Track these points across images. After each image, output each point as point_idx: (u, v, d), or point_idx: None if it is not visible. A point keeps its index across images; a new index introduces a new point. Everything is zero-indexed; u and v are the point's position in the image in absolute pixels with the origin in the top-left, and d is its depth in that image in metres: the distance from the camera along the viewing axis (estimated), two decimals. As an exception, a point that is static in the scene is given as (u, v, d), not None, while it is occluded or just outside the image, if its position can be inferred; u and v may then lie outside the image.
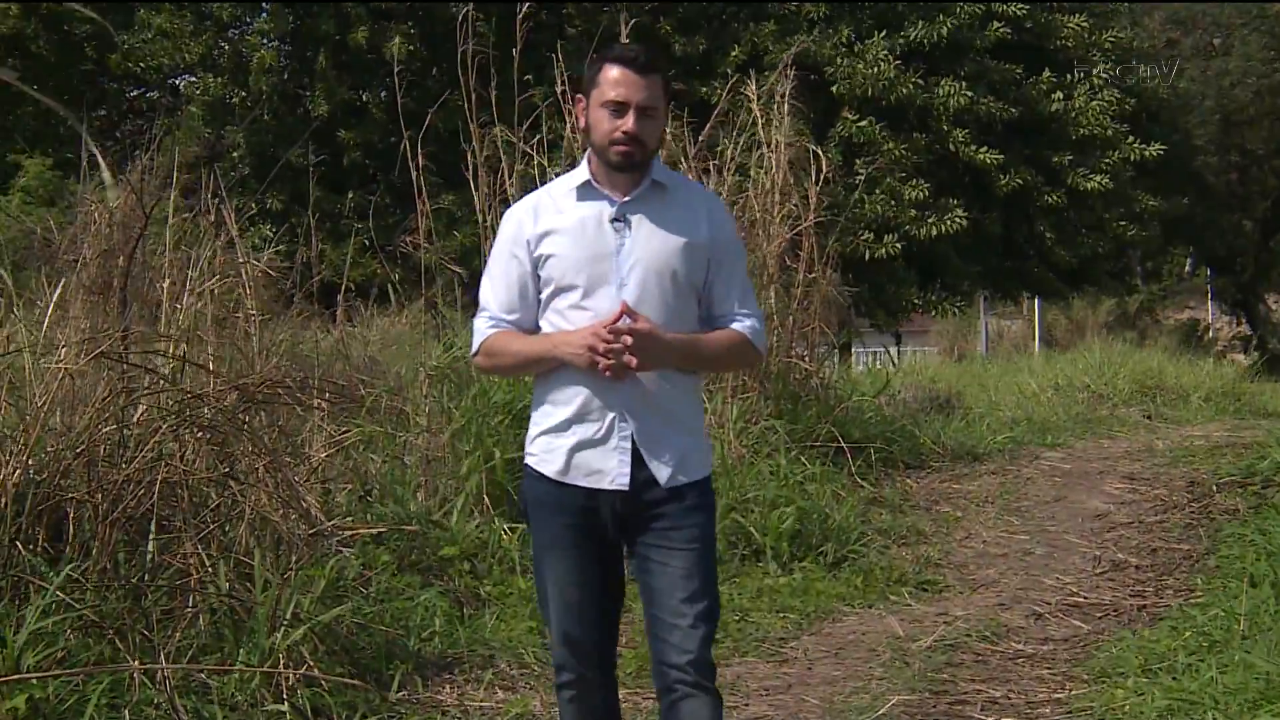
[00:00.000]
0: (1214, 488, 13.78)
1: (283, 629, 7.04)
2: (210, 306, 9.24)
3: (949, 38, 29.93)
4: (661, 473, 4.86)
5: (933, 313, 33.29)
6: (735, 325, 4.99)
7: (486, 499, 10.35)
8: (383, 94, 14.91)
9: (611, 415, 4.84)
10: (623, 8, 13.83)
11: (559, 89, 13.14)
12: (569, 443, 4.89)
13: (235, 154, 29.21)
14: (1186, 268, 52.13)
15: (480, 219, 12.56)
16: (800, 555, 10.94)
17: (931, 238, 29.43)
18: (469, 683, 7.83)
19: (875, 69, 29.36)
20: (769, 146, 14.65)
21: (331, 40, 29.11)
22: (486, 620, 8.81)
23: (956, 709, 7.62)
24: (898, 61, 29.58)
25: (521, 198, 5.24)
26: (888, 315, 31.90)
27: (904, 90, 29.50)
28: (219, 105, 29.75)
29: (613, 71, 4.77)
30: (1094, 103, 30.87)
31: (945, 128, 29.85)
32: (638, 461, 4.85)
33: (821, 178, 15.00)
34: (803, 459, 12.95)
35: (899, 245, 29.18)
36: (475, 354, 5.08)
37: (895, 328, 33.90)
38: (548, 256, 4.87)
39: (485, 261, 12.36)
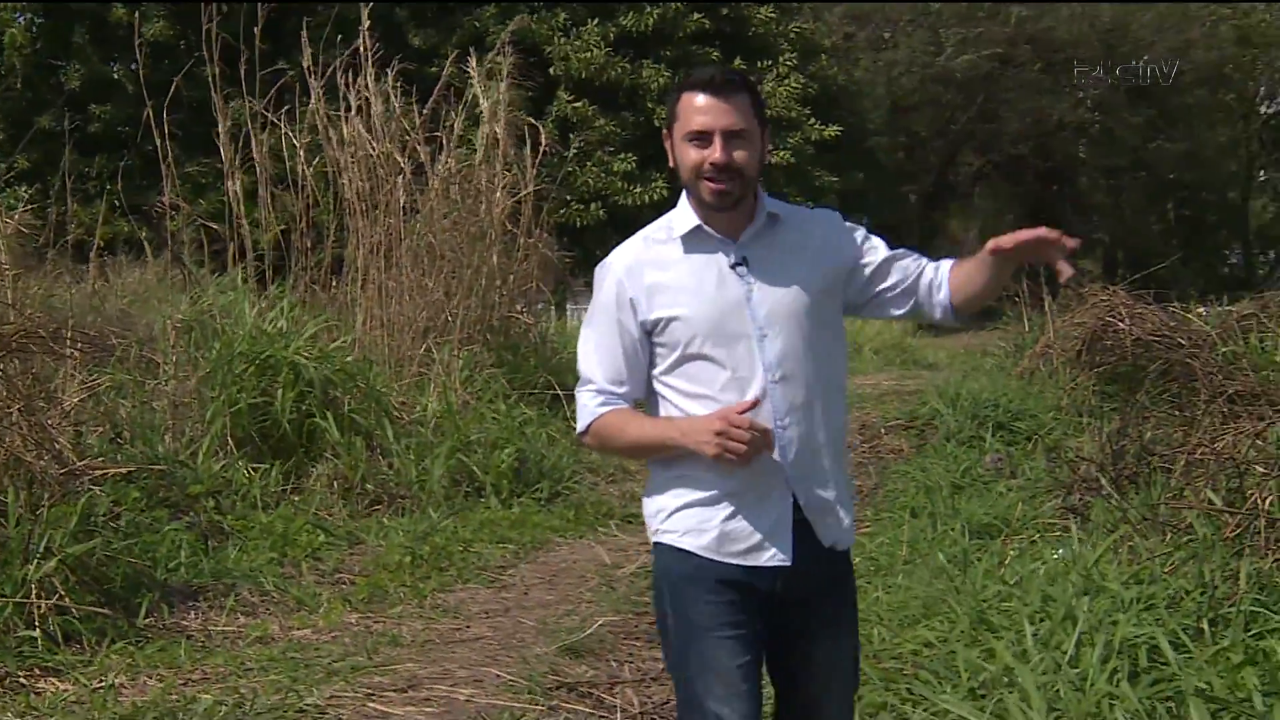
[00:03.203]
0: (882, 430, 14.13)
1: (35, 561, 6.82)
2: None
3: (654, 26, 30.23)
4: (829, 542, 3.84)
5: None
6: (935, 265, 3.97)
7: (231, 441, 10.20)
8: (133, 66, 14.48)
9: (773, 482, 3.76)
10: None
11: (304, 65, 13.11)
12: (719, 515, 3.78)
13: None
14: (861, 236, 53.46)
15: (226, 182, 12.47)
16: (519, 492, 10.97)
17: (636, 206, 29.74)
18: (212, 609, 7.68)
19: (588, 53, 29.55)
20: (488, 119, 14.64)
21: (88, 16, 28.17)
22: (229, 552, 8.65)
23: (657, 628, 7.66)
24: (609, 49, 29.80)
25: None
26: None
27: (613, 73, 29.74)
28: (-27, 75, 28.62)
29: (691, 99, 3.76)
30: (781, 87, 31.41)
31: (650, 105, 30.15)
32: (800, 531, 3.80)
33: (540, 151, 15.04)
34: (521, 405, 13.00)
35: (603, 213, 29.47)
36: (583, 433, 3.96)
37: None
38: (668, 320, 3.79)
39: (232, 223, 12.23)
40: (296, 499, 9.97)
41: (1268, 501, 6.67)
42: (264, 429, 10.41)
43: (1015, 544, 8.14)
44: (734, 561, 3.78)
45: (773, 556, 3.77)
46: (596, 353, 3.93)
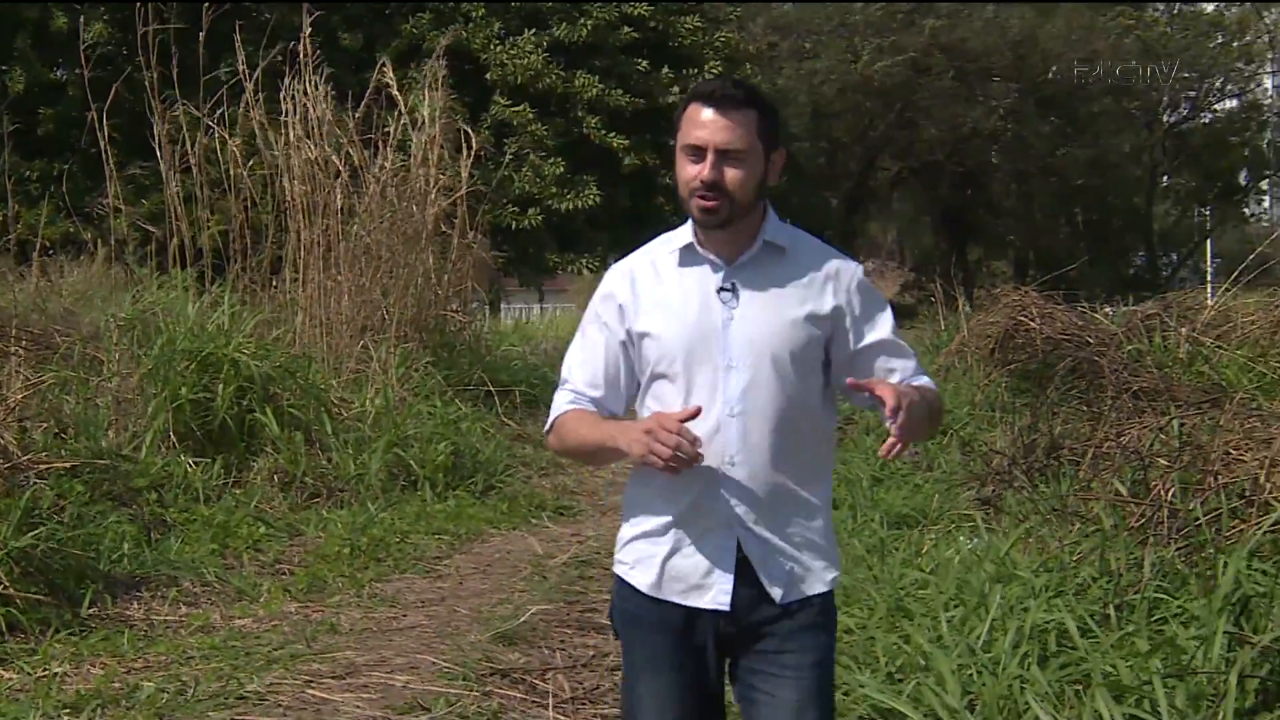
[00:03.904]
0: (804, 424, 14.13)
1: (-21, 554, 6.76)
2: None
3: (587, 38, 30.25)
4: (775, 589, 3.50)
5: (569, 270, 33.66)
6: (917, 382, 3.58)
7: (173, 435, 10.11)
8: (77, 71, 14.38)
9: (715, 519, 3.48)
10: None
11: (240, 68, 13.07)
12: (662, 551, 3.54)
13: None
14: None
15: (165, 185, 12.40)
16: (454, 485, 10.95)
17: (569, 211, 29.76)
18: (155, 599, 7.61)
19: (525, 60, 29.53)
20: (417, 126, 14.63)
21: (30, 23, 27.86)
22: (172, 544, 8.58)
23: (587, 616, 7.69)
24: (545, 54, 29.80)
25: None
26: (532, 274, 32.35)
27: (548, 80, 29.74)
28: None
29: (693, 111, 3.48)
30: (707, 95, 31.52)
31: (581, 114, 30.17)
32: (744, 575, 3.49)
33: (472, 154, 15.04)
34: (456, 400, 13.00)
35: (540, 218, 29.47)
36: (548, 432, 3.72)
37: (539, 284, 34.32)
38: (645, 335, 3.55)
39: (172, 224, 12.20)
40: (237, 492, 9.91)
41: (1170, 492, 6.75)
42: (205, 424, 10.33)
43: (932, 534, 8.20)
44: (675, 600, 3.53)
45: (712, 599, 3.49)
46: (579, 353, 3.68)
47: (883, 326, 3.59)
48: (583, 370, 3.64)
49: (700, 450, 3.33)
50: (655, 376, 3.54)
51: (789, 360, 3.47)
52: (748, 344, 3.46)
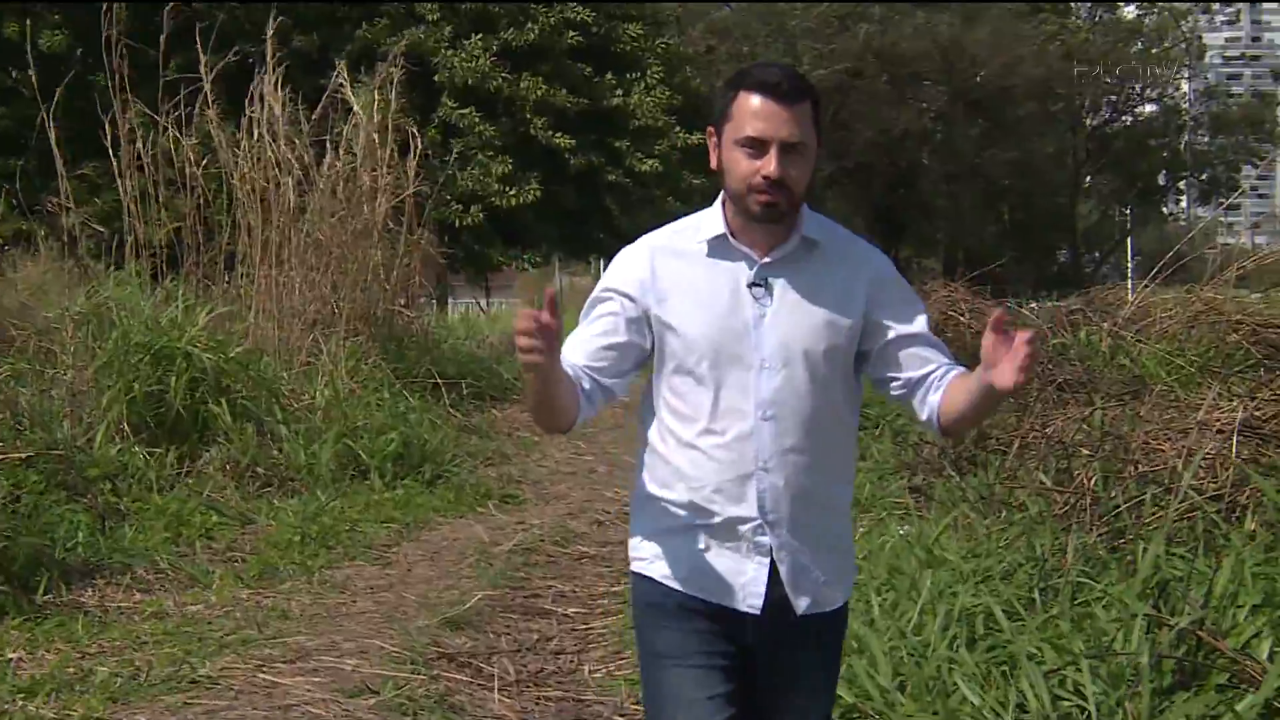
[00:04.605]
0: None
1: (-65, 543, 6.67)
2: None
3: (534, 41, 30.21)
4: (800, 602, 3.26)
5: (514, 266, 33.62)
6: (955, 372, 3.37)
7: (127, 427, 10.02)
8: (30, 72, 14.32)
9: (750, 521, 3.22)
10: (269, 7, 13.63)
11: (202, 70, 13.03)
12: (692, 547, 3.26)
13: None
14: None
15: (120, 180, 12.33)
16: (402, 474, 10.90)
17: (512, 207, 29.68)
18: (109, 586, 7.54)
19: (472, 63, 29.49)
20: (364, 125, 14.59)
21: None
22: (126, 532, 8.50)
23: (532, 601, 7.68)
24: (493, 58, 29.75)
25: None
26: (477, 271, 32.26)
27: (495, 82, 29.71)
28: None
29: (749, 101, 3.15)
30: (648, 98, 31.47)
31: (528, 115, 30.12)
32: (773, 582, 3.24)
33: (419, 154, 15.02)
34: (405, 392, 12.96)
35: (481, 215, 29.42)
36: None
37: (485, 279, 34.27)
38: (667, 326, 3.24)
39: (129, 224, 12.14)
40: (190, 482, 9.83)
41: (1092, 481, 6.80)
42: (159, 415, 10.24)
43: (864, 521, 8.23)
44: (701, 597, 3.25)
45: (742, 601, 3.24)
46: (578, 326, 3.34)
47: (918, 320, 3.36)
48: (572, 340, 3.29)
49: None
50: (678, 371, 3.26)
51: (822, 360, 3.24)
52: (781, 343, 3.21)
